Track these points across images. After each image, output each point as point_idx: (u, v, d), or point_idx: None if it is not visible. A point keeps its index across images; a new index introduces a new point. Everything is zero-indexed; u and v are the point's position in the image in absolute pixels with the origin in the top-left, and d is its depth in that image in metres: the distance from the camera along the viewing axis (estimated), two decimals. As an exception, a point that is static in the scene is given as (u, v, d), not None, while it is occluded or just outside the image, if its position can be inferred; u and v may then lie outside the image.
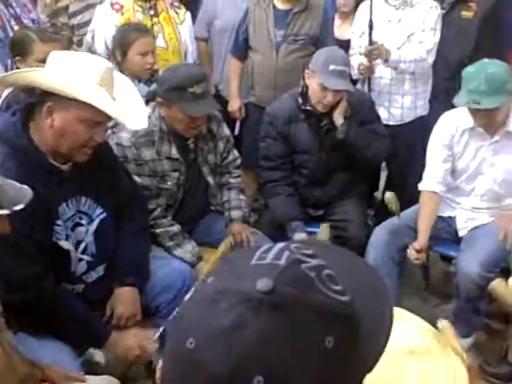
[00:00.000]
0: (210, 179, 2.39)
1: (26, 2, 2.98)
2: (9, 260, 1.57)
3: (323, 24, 3.03)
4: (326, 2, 3.16)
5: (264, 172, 2.75)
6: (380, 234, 2.51)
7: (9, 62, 2.61)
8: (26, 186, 1.36)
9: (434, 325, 1.75)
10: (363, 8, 2.97)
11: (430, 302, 2.74)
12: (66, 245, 1.73)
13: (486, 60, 2.29)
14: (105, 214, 1.84)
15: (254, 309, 0.50)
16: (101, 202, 1.83)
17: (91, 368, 1.74)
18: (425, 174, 2.54)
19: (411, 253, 2.40)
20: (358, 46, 2.96)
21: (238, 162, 2.55)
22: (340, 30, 3.26)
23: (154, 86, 2.34)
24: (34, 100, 1.68)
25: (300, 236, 2.57)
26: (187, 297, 0.60)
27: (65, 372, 1.53)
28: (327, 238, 2.49)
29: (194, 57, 3.11)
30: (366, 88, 2.98)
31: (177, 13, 2.98)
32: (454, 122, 2.45)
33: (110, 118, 1.71)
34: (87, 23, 3.09)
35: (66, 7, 3.22)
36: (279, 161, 2.68)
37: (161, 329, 1.68)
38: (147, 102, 2.17)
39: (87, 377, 1.58)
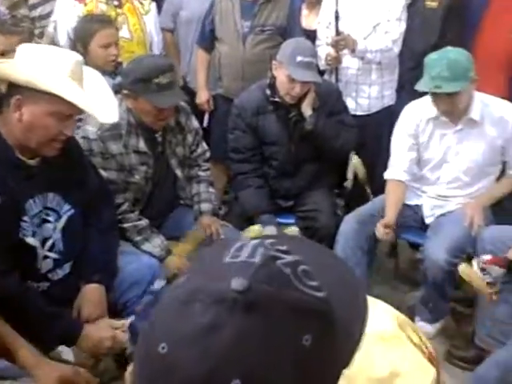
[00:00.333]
0: (179, 172, 2.37)
1: (-16, -6, 2.89)
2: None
3: (290, 14, 3.02)
4: (292, -8, 3.16)
5: (234, 164, 2.74)
6: (349, 223, 2.53)
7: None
8: None
9: (403, 312, 1.78)
10: (329, -2, 2.98)
11: (399, 290, 2.79)
12: (32, 241, 1.70)
13: (448, 48, 2.33)
14: (73, 211, 1.81)
15: (228, 309, 0.49)
16: (69, 198, 1.79)
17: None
18: (390, 163, 2.57)
19: (379, 230, 2.41)
20: (325, 36, 2.96)
21: (207, 154, 2.53)
22: (307, 20, 3.25)
23: (118, 79, 2.30)
24: (2, 93, 1.64)
25: (270, 229, 2.57)
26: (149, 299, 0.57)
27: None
28: None
29: (160, 48, 3.07)
30: (333, 78, 2.99)
31: (141, 3, 2.94)
32: (419, 112, 2.49)
33: (80, 112, 1.68)
34: (48, 15, 3.01)
35: (26, -1, 3.13)
36: (248, 153, 2.68)
37: (132, 317, 1.66)
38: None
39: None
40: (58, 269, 1.79)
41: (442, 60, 2.26)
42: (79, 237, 1.86)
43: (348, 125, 2.71)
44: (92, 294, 1.82)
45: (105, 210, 1.97)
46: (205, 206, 2.43)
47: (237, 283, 0.49)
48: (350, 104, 2.96)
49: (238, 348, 0.48)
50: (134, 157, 2.20)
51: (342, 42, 2.83)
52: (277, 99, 2.59)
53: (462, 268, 2.19)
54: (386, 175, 2.57)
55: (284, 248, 0.55)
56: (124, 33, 2.80)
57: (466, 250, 2.39)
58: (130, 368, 0.55)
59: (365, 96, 3.01)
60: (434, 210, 2.55)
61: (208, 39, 3.10)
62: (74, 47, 2.58)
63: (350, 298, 0.58)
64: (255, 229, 2.53)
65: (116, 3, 2.85)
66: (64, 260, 1.80)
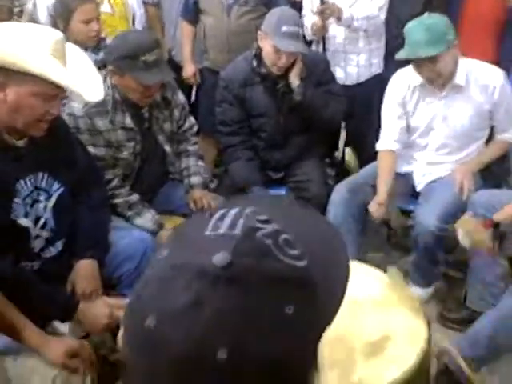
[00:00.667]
0: (167, 147, 2.36)
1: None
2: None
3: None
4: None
5: (223, 137, 2.73)
6: (340, 192, 2.54)
7: None
8: None
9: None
10: (313, -33, 2.93)
11: (392, 256, 2.82)
12: (25, 222, 1.70)
13: (426, 14, 2.33)
14: (62, 189, 1.80)
15: (211, 284, 0.50)
16: (58, 176, 1.79)
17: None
18: (381, 134, 2.58)
19: (372, 208, 2.44)
20: (310, 5, 2.92)
21: (195, 128, 2.51)
22: (292, -11, 3.21)
23: (102, 54, 2.26)
24: None
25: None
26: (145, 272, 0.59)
27: None
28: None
29: (143, 22, 3.02)
30: (320, 48, 2.97)
31: (122, -24, 2.88)
32: (406, 80, 2.49)
33: (65, 91, 1.65)
34: (28, -7, 2.95)
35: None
36: (236, 125, 2.66)
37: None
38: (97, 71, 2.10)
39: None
40: (51, 246, 1.81)
41: (420, 26, 2.27)
42: (70, 214, 1.86)
43: (336, 94, 2.70)
44: (85, 269, 1.83)
45: (95, 186, 1.97)
46: (195, 180, 2.42)
47: (218, 258, 0.50)
48: (339, 73, 2.94)
49: (221, 321, 0.49)
50: (120, 133, 2.18)
51: (327, 11, 2.79)
52: (263, 70, 2.56)
53: (462, 221, 2.19)
54: (378, 146, 2.58)
55: (265, 217, 0.55)
56: (105, 7, 2.75)
57: (457, 216, 2.41)
58: (121, 331, 0.56)
59: (353, 64, 2.99)
60: (425, 176, 2.56)
61: (192, 11, 3.05)
62: (54, 24, 2.53)
63: (331, 260, 0.58)
64: None
65: (96, -23, 2.78)
66: (56, 238, 1.81)
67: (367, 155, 2.75)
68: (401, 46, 2.41)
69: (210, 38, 3.01)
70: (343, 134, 3.29)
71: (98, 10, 2.60)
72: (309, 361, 0.54)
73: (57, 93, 1.61)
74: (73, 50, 1.76)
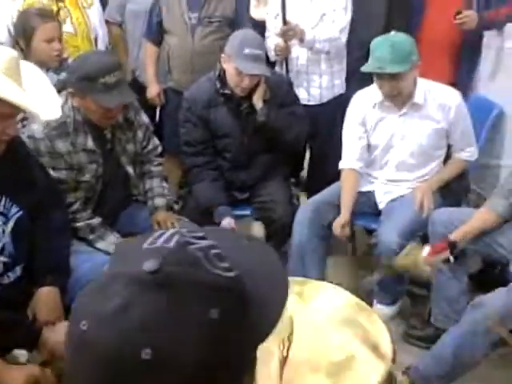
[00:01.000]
0: (130, 169, 2.33)
1: None
2: None
3: (238, 5, 3.01)
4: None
5: (187, 158, 2.72)
6: (304, 212, 2.56)
7: None
8: None
9: (360, 296, 1.82)
10: (276, -12, 2.98)
11: (357, 274, 2.84)
12: None
13: (393, 32, 2.40)
14: (21, 213, 1.75)
15: (140, 289, 0.54)
16: (17, 200, 1.73)
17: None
18: (343, 153, 2.61)
19: (335, 228, 2.47)
20: (274, 27, 2.96)
21: (159, 149, 2.49)
22: (256, 10, 3.23)
23: (63, 75, 2.23)
24: None
25: (228, 221, 2.57)
26: None
27: None
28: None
29: (106, 42, 3.00)
30: (284, 69, 3.00)
31: (84, -4, 2.86)
32: (366, 100, 2.54)
33: (20, 110, 1.61)
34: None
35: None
36: (200, 146, 2.66)
37: None
38: (58, 92, 2.07)
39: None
40: (10, 272, 1.75)
41: (386, 42, 2.33)
42: (29, 238, 1.81)
43: (299, 116, 2.72)
44: (47, 297, 1.78)
45: (55, 210, 1.92)
46: (159, 201, 2.40)
47: (148, 265, 0.55)
48: (302, 94, 2.98)
49: (147, 322, 0.53)
50: (82, 155, 2.15)
51: (289, 32, 2.83)
52: (227, 91, 2.57)
53: (398, 261, 2.21)
54: (341, 165, 2.61)
55: (199, 235, 0.60)
56: (67, 27, 2.72)
57: (417, 233, 2.46)
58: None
59: (316, 86, 3.03)
60: (386, 195, 2.60)
61: (156, 32, 3.05)
62: (15, 43, 2.50)
63: (267, 278, 0.63)
64: None
65: (58, -4, 2.76)
66: (15, 263, 1.75)
67: (331, 175, 2.78)
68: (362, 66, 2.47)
69: (174, 58, 3.02)
70: (308, 154, 3.33)
71: (60, 29, 2.57)
72: (237, 366, 0.57)
73: (11, 112, 1.57)
74: (30, 69, 1.73)
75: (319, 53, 2.94)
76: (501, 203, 2.18)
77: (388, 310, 2.56)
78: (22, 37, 2.47)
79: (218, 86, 2.58)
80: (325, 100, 3.06)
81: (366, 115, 2.55)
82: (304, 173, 3.41)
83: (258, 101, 2.57)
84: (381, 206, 2.60)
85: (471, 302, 2.02)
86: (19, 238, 1.75)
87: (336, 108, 3.01)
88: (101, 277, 0.59)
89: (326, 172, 3.00)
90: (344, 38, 2.95)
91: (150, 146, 2.43)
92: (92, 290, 0.58)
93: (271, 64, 3.00)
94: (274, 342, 1.28)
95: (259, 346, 0.60)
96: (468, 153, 2.58)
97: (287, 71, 2.99)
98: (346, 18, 2.92)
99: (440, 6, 2.96)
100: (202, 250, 0.58)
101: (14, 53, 1.63)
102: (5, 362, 1.54)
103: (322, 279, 2.28)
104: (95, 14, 2.90)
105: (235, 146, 2.67)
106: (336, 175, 2.65)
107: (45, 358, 1.68)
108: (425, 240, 2.44)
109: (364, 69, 2.37)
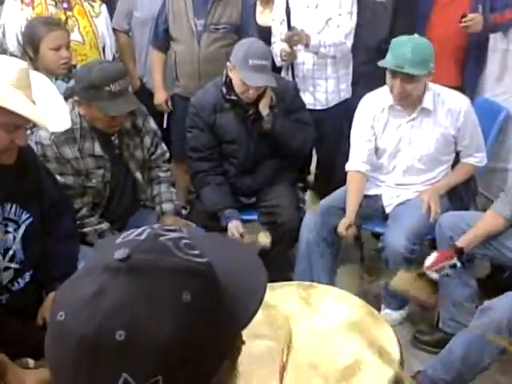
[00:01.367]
0: (138, 175, 2.35)
1: None
2: None
3: (244, 11, 3.02)
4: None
5: (193, 163, 2.73)
6: (311, 216, 2.56)
7: None
8: None
9: (369, 301, 1.81)
10: (281, -6, 2.99)
11: (365, 279, 2.83)
12: None
13: (416, 35, 2.38)
14: (31, 219, 1.77)
15: (112, 276, 0.57)
16: (27, 206, 1.75)
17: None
18: (350, 155, 2.61)
19: (341, 228, 2.45)
20: (279, 32, 2.98)
21: (167, 155, 2.51)
22: (262, 16, 3.26)
23: (72, 82, 2.25)
24: None
25: (235, 223, 2.57)
26: None
27: None
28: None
29: (113, 50, 3.03)
30: (290, 74, 3.01)
31: (92, 5, 2.89)
32: (375, 103, 2.53)
33: (30, 121, 1.63)
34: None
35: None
36: (207, 151, 2.67)
37: None
38: (66, 99, 2.09)
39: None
40: (19, 278, 1.76)
41: (409, 43, 2.29)
42: (38, 245, 1.82)
43: (306, 123, 2.72)
44: None
45: (64, 216, 1.94)
46: (166, 206, 2.41)
47: (119, 253, 0.58)
48: (309, 99, 2.99)
49: (120, 306, 0.56)
50: (89, 161, 2.17)
51: (295, 38, 2.84)
52: (233, 97, 2.58)
53: (394, 283, 2.19)
54: (347, 167, 2.61)
55: (171, 228, 0.64)
56: (75, 36, 2.75)
57: (425, 237, 2.45)
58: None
59: (322, 90, 3.04)
60: (393, 199, 2.60)
61: (162, 39, 3.07)
62: (23, 52, 2.52)
63: (242, 273, 0.66)
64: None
65: (65, 6, 2.79)
66: (24, 269, 1.77)
67: (337, 179, 2.78)
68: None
69: (181, 64, 3.03)
70: (315, 159, 3.33)
71: (68, 37, 2.59)
72: (214, 349, 0.59)
73: (20, 123, 1.58)
74: (39, 79, 1.75)
75: (325, 57, 2.95)
76: (508, 207, 2.17)
77: (396, 315, 2.55)
78: (30, 45, 2.50)
79: (225, 91, 2.59)
80: (331, 104, 3.06)
81: (374, 118, 2.53)
82: (311, 177, 3.41)
83: (264, 108, 2.57)
84: (388, 210, 2.60)
85: (480, 307, 2.01)
86: (29, 245, 1.77)
87: (342, 112, 3.02)
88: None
89: (333, 176, 3.01)
90: (349, 43, 2.96)
91: (158, 152, 2.45)
92: (69, 283, 0.61)
93: (277, 69, 3.01)
94: (275, 350, 1.29)
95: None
96: (477, 158, 2.57)
97: (293, 76, 3.00)
98: (352, 22, 2.93)
99: (445, 9, 2.96)
100: (172, 240, 0.61)
101: (24, 64, 1.65)
102: (17, 367, 1.55)
103: (330, 283, 2.28)
104: (103, 23, 2.93)
105: (241, 151, 2.68)
106: (343, 180, 2.65)
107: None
108: (433, 244, 2.43)
109: (382, 64, 2.33)
